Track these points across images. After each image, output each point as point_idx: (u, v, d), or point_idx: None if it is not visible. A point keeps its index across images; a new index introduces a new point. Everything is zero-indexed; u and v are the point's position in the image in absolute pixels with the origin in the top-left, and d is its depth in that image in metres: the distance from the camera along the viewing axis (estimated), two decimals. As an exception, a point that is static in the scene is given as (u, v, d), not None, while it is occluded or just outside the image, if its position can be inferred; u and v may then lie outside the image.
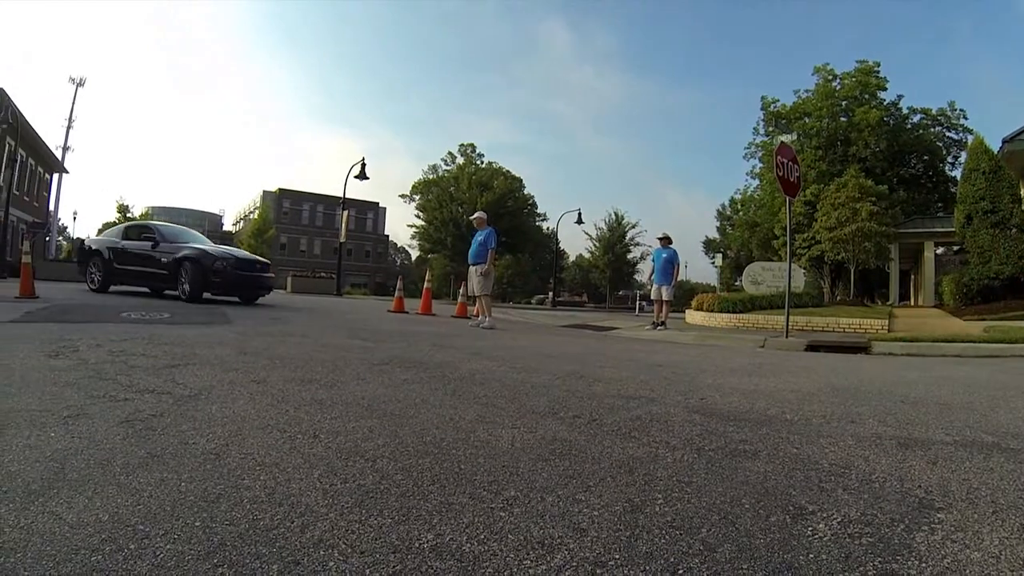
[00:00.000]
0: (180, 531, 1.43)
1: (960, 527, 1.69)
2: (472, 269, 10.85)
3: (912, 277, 36.62)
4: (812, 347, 8.42)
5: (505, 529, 1.56)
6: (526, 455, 2.25)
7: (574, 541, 1.51)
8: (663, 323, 12.00)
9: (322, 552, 1.37)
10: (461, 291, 14.46)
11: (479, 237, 10.82)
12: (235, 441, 2.21)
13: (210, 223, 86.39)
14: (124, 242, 13.00)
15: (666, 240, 12.47)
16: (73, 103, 37.98)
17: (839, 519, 1.71)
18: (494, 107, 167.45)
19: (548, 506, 1.73)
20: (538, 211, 56.58)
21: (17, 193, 31.51)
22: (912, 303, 33.01)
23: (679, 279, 12.90)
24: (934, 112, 36.37)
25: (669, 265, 12.15)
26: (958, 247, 23.75)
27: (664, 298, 12.16)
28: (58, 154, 37.66)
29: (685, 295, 27.48)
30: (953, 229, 20.08)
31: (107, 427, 2.30)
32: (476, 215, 11.47)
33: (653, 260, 12.33)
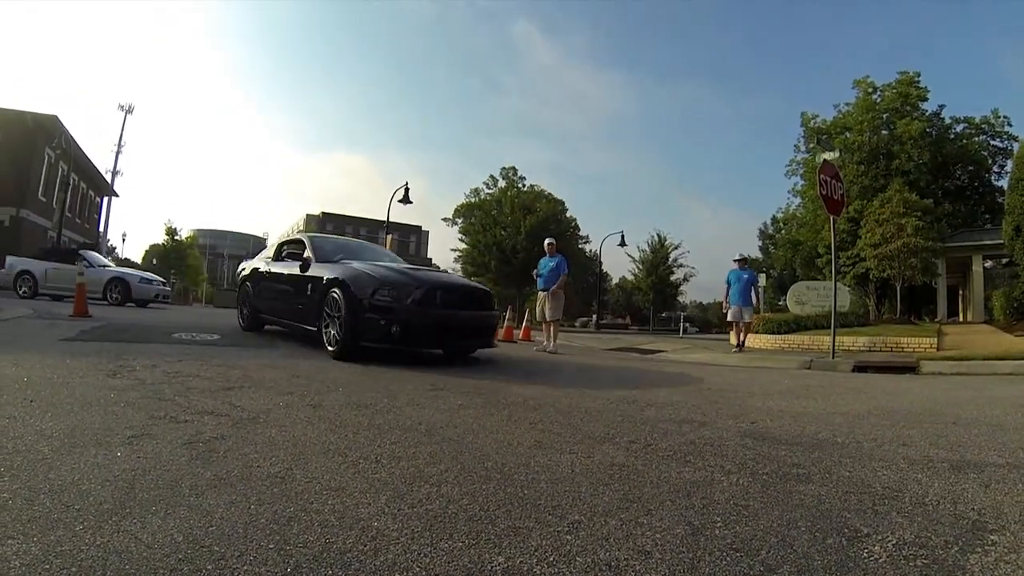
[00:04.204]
0: (255, 553, 1.46)
1: (1013, 549, 1.69)
2: (543, 295, 10.87)
3: (960, 292, 35.44)
4: (859, 368, 8.23)
5: (573, 552, 1.57)
6: (586, 480, 2.25)
7: (640, 563, 1.52)
8: (742, 344, 11.96)
9: (397, 575, 1.39)
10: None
11: (551, 263, 10.87)
12: (298, 465, 2.25)
13: (254, 245, 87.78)
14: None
15: (743, 261, 12.31)
16: (122, 129, 39.23)
17: (894, 541, 1.72)
18: (502, 123, 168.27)
19: (612, 529, 1.74)
20: (580, 234, 55.83)
21: (70, 215, 32.67)
22: (961, 319, 31.92)
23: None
24: (977, 121, 35.20)
25: (749, 286, 11.96)
26: (1008, 260, 23.01)
27: (745, 319, 12.00)
28: (108, 178, 38.82)
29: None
30: (1002, 241, 19.45)
31: (171, 448, 2.35)
32: (548, 241, 11.55)
33: (729, 282, 12.09)
